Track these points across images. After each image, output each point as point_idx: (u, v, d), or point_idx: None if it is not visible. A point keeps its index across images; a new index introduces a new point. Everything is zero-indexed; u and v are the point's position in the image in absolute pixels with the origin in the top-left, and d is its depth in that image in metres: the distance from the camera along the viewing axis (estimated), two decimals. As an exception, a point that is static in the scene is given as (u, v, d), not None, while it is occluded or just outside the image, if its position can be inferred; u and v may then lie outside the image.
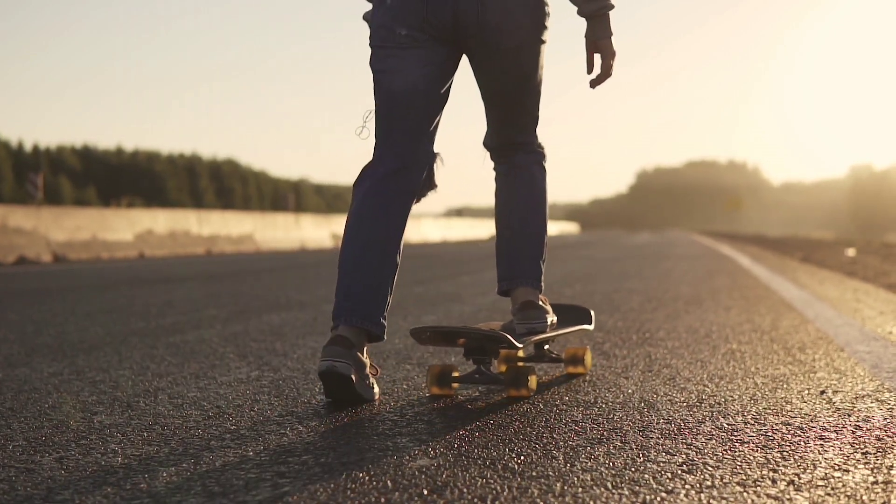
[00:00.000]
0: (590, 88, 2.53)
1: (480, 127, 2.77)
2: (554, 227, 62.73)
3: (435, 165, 2.51)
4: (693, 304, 4.98)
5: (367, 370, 2.35)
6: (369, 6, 2.50)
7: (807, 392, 2.40)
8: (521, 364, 2.60)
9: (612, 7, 2.46)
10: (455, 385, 2.45)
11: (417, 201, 2.49)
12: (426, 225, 30.12)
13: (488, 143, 2.71)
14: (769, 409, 2.19)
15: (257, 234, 18.82)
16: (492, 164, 2.74)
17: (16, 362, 3.13)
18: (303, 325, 4.15)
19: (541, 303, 2.60)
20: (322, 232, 21.90)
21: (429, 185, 2.52)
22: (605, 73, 2.47)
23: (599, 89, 2.64)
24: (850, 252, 13.31)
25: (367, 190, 2.39)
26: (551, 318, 2.63)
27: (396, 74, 2.40)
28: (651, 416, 2.14)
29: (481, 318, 4.36)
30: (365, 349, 2.35)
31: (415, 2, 2.36)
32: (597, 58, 2.49)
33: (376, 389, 2.38)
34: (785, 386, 2.50)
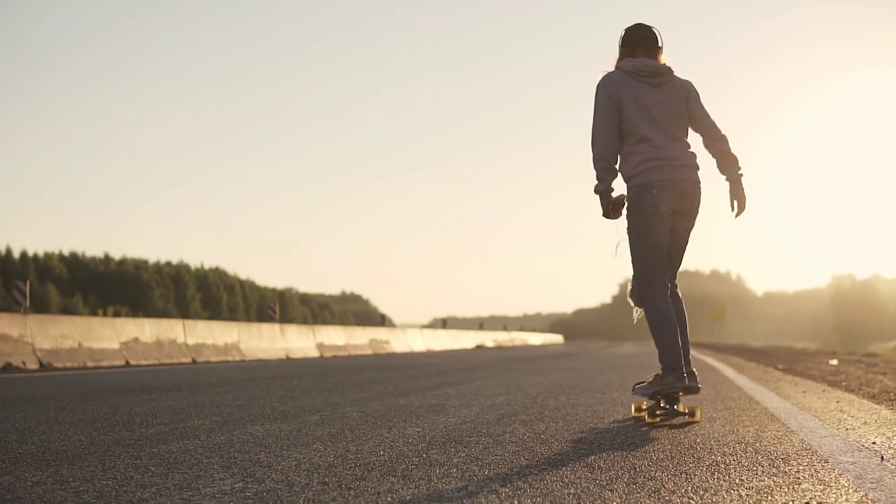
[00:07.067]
0: (734, 219, 4.62)
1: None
2: (538, 338, 62.61)
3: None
4: (678, 416, 4.98)
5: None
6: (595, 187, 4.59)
7: (790, 504, 2.42)
8: (691, 406, 4.77)
9: (742, 174, 4.55)
10: (658, 414, 4.56)
11: None
12: (411, 335, 29.99)
13: None
14: (752, 520, 2.21)
15: (243, 343, 18.74)
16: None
17: (-2, 472, 3.11)
18: (287, 437, 4.13)
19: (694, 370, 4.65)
20: (307, 342, 21.82)
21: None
22: (742, 209, 4.57)
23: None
24: (833, 362, 13.34)
25: (656, 305, 4.51)
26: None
27: (659, 235, 4.49)
28: (635, 527, 2.14)
29: (465, 430, 4.35)
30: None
31: (669, 192, 4.44)
32: (735, 203, 4.59)
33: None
34: (769, 497, 2.51)
